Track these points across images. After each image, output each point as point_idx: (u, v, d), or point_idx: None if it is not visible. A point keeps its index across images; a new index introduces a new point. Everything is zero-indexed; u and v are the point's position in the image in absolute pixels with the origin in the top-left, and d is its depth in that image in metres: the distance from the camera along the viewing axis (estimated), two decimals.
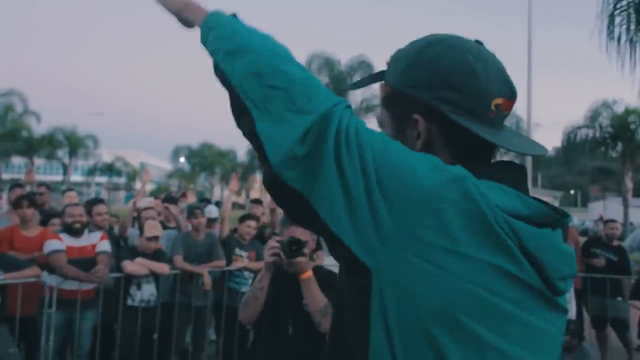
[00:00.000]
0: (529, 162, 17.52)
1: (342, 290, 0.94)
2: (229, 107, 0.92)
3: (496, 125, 0.97)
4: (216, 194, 49.36)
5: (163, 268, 5.21)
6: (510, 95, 0.97)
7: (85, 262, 4.83)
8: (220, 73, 0.93)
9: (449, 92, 0.93)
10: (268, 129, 0.85)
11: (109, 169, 47.39)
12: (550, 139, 28.72)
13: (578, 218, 37.75)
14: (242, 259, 5.78)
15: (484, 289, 0.80)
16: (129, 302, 5.08)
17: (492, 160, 1.00)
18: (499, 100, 0.95)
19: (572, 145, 25.70)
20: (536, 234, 0.85)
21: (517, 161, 0.96)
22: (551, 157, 44.46)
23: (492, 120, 0.96)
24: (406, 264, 0.79)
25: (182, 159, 51.08)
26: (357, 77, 31.11)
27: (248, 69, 0.90)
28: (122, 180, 50.02)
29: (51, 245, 4.76)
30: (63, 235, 4.90)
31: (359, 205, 0.81)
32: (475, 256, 0.80)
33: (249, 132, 0.89)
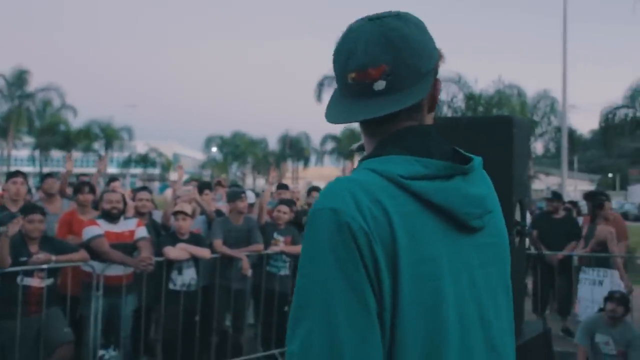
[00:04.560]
0: (564, 148, 17.13)
1: None
2: None
3: (364, 94, 1.01)
4: (248, 182, 49.70)
5: (204, 252, 5.33)
6: (362, 67, 1.00)
7: (123, 247, 4.93)
8: None
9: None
10: None
11: (144, 160, 48.18)
12: (587, 122, 27.97)
13: (617, 201, 36.72)
14: (280, 243, 5.88)
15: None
16: (171, 286, 5.21)
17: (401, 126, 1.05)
18: (352, 74, 1.02)
19: (610, 127, 24.90)
20: (440, 188, 0.97)
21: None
22: (587, 140, 43.13)
23: (355, 91, 1.02)
24: None
25: (214, 149, 51.20)
26: None
27: None
28: (157, 171, 50.84)
29: (90, 231, 4.86)
30: (100, 221, 5.01)
31: None
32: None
33: None
